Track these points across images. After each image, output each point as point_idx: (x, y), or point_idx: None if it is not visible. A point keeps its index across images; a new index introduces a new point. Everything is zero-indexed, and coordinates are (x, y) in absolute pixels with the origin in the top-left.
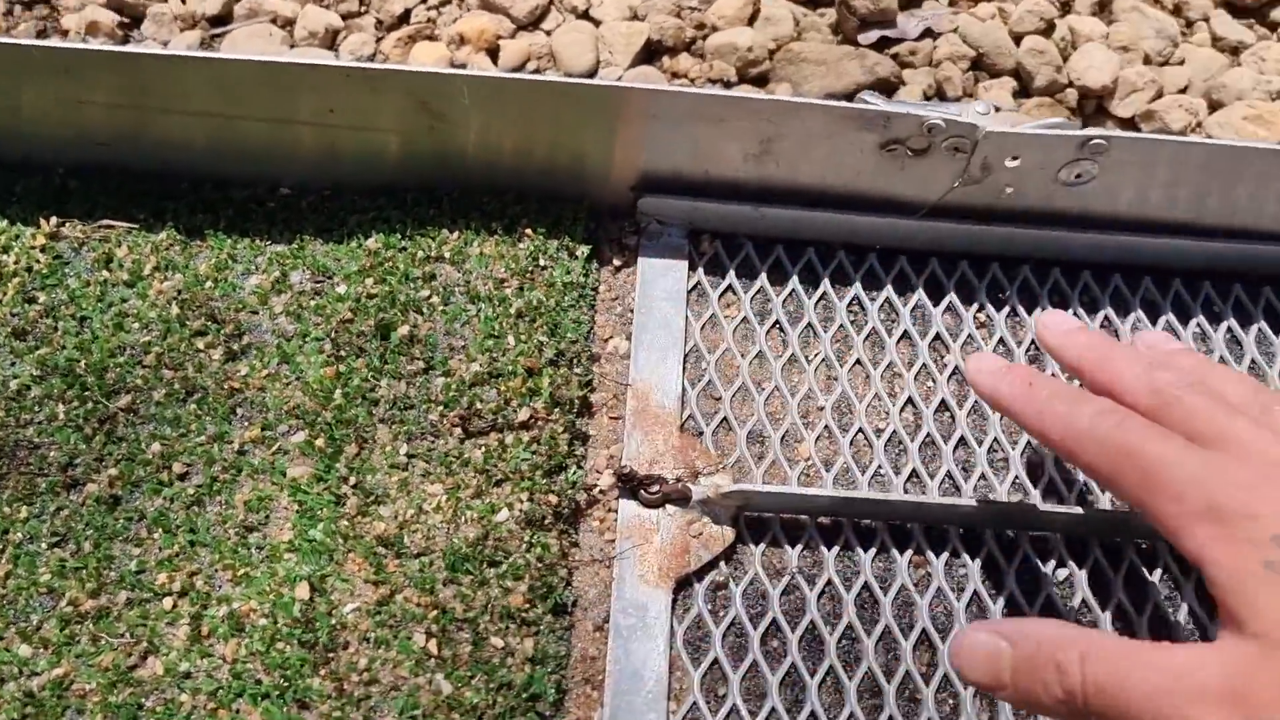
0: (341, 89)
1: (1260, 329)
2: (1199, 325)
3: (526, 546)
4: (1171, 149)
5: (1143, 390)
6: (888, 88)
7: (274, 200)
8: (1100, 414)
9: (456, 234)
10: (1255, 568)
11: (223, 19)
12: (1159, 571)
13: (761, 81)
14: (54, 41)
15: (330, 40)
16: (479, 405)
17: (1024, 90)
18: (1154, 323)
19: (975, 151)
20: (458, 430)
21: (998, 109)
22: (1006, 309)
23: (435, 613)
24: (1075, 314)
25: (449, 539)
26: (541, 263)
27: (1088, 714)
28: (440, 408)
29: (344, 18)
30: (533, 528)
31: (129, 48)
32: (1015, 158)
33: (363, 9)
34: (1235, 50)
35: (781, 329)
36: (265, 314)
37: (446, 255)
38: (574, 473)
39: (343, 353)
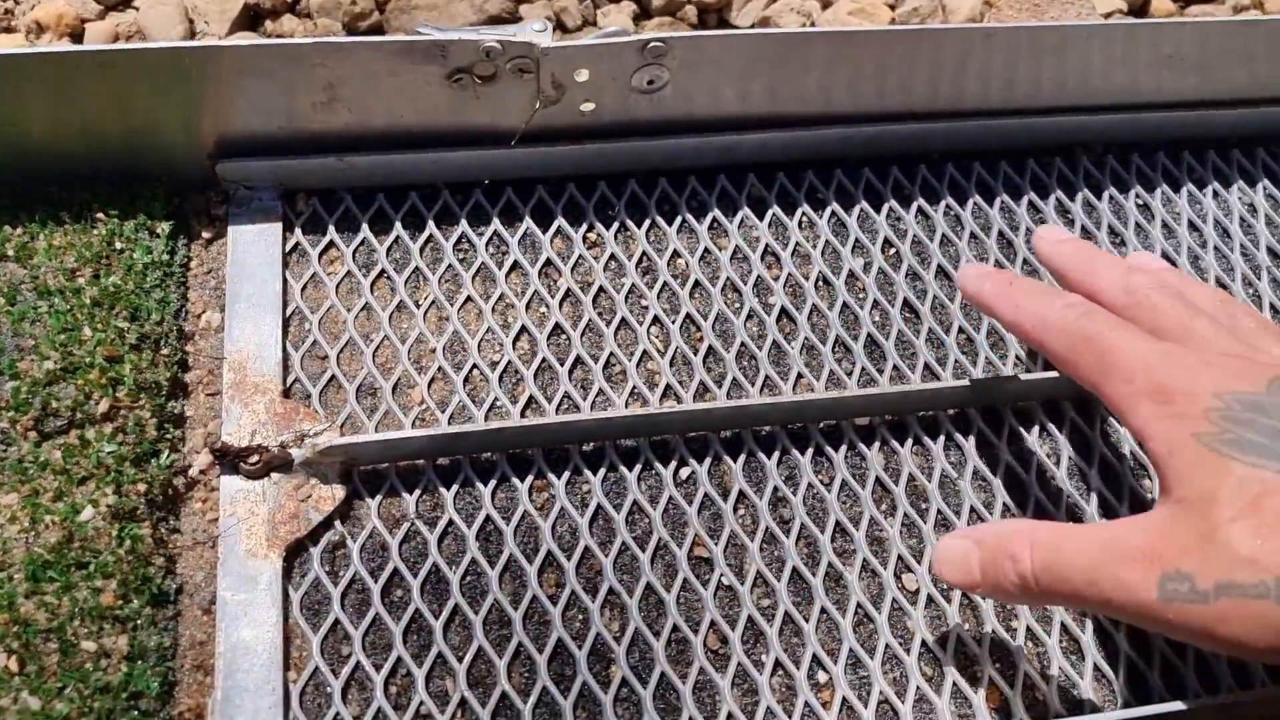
0: None
1: (862, 209)
2: (804, 214)
3: (117, 542)
4: (729, 42)
5: (1117, 290)
6: (505, 25)
7: None
8: (1068, 306)
9: (20, 229)
10: (1186, 439)
11: None
12: (775, 455)
13: (377, 33)
14: None
15: None
16: (55, 404)
17: (645, 13)
18: (760, 217)
19: (541, 70)
20: (32, 434)
21: (564, 27)
22: (616, 225)
23: (16, 629)
24: (684, 220)
25: (28, 549)
26: (118, 246)
27: (1041, 595)
28: (11, 413)
29: None
30: (122, 521)
31: None
32: (583, 70)
33: None
34: None
35: (388, 278)
36: None
37: (10, 253)
38: (167, 457)
39: None
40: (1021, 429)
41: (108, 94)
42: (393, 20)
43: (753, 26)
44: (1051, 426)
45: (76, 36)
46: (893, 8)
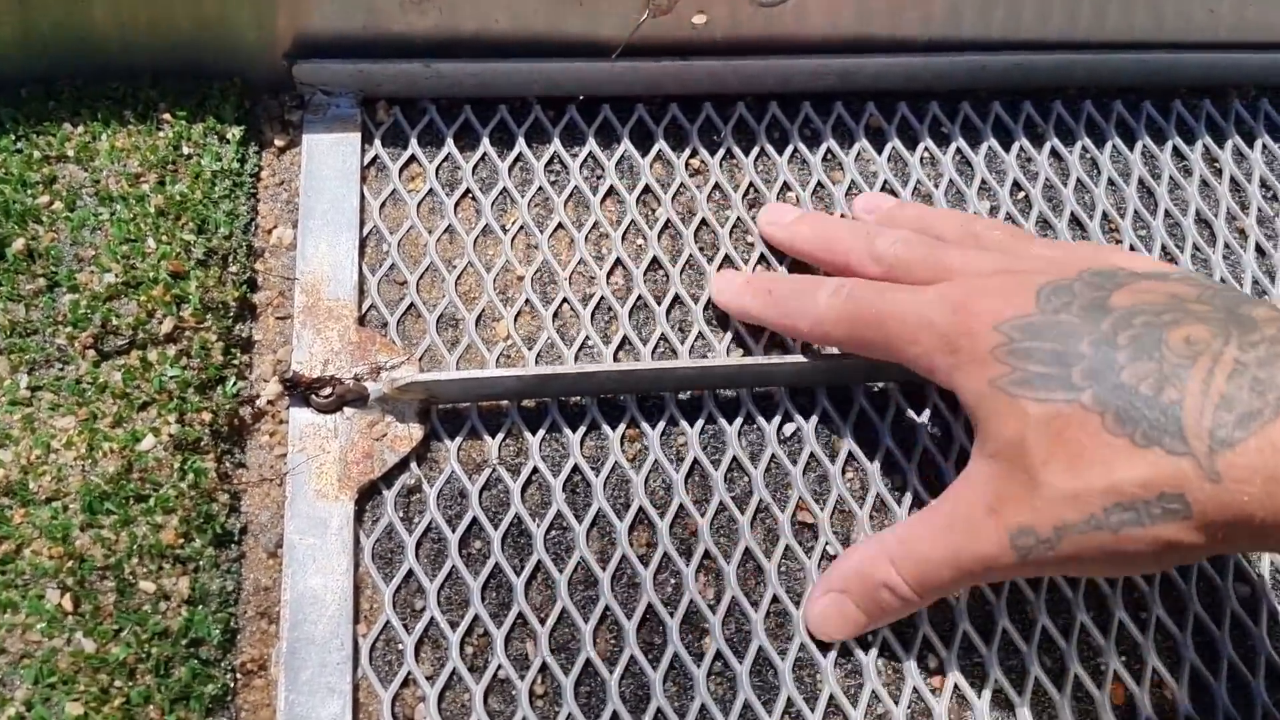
0: None
1: (990, 147)
2: (926, 150)
3: (179, 475)
4: None
5: (869, 261)
6: None
7: None
8: (831, 294)
9: (81, 128)
10: (984, 388)
11: None
12: (890, 414)
13: None
14: None
15: None
16: (115, 321)
17: None
18: (879, 151)
19: None
20: (91, 353)
21: None
22: (722, 151)
23: (71, 564)
24: (796, 150)
25: (85, 478)
26: (185, 151)
27: (927, 598)
28: (69, 329)
29: None
30: (185, 452)
31: None
32: None
33: None
34: None
35: (473, 198)
36: None
37: (70, 154)
38: (233, 385)
39: None
40: None
41: None
42: None
43: None
44: None
45: None
46: None
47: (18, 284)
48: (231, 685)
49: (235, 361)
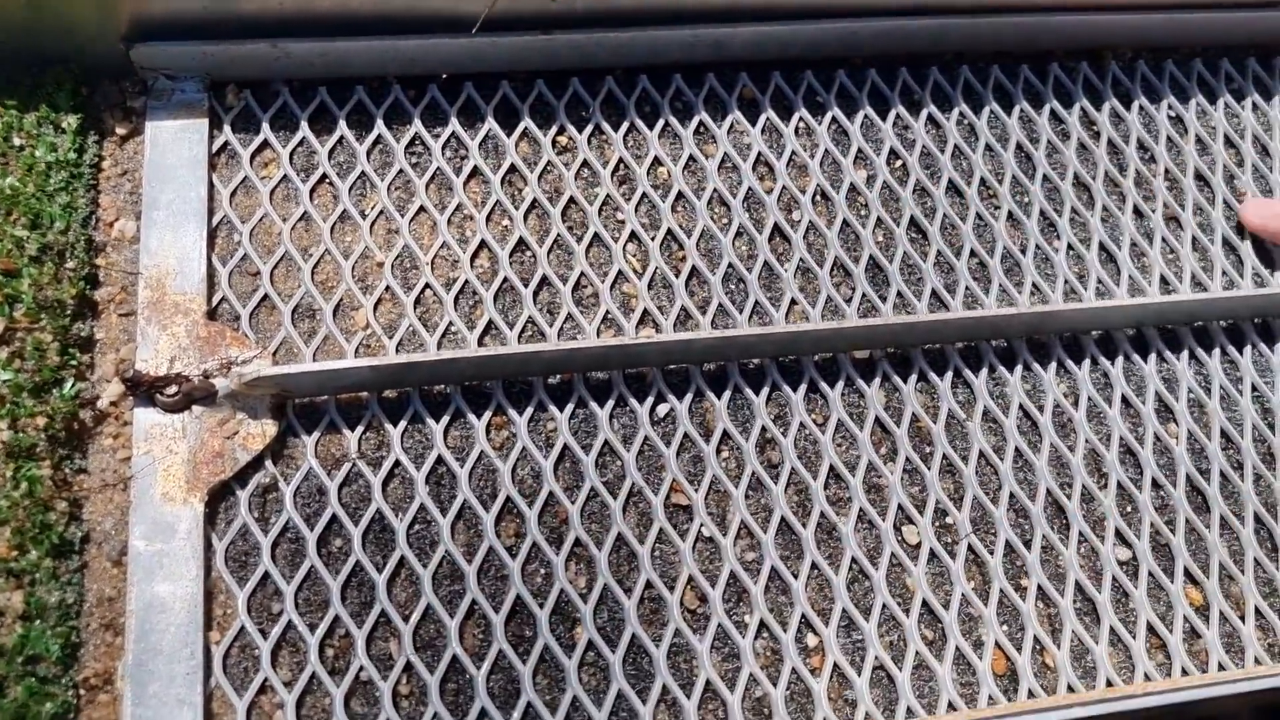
0: None
1: (866, 115)
2: (801, 120)
3: (11, 484)
4: None
5: None
6: None
7: None
8: None
9: None
10: None
11: None
12: (765, 391)
13: None
14: None
15: None
16: None
17: None
18: (753, 122)
19: None
20: None
21: None
22: (590, 127)
23: None
24: (667, 123)
25: None
26: (16, 142)
27: None
28: None
29: None
30: (18, 460)
31: None
32: None
33: None
34: None
35: (330, 184)
36: None
37: None
38: (71, 387)
39: None
40: (1037, 364)
41: None
42: None
43: None
44: (1069, 362)
45: None
46: None
47: None
48: (74, 702)
49: (74, 362)
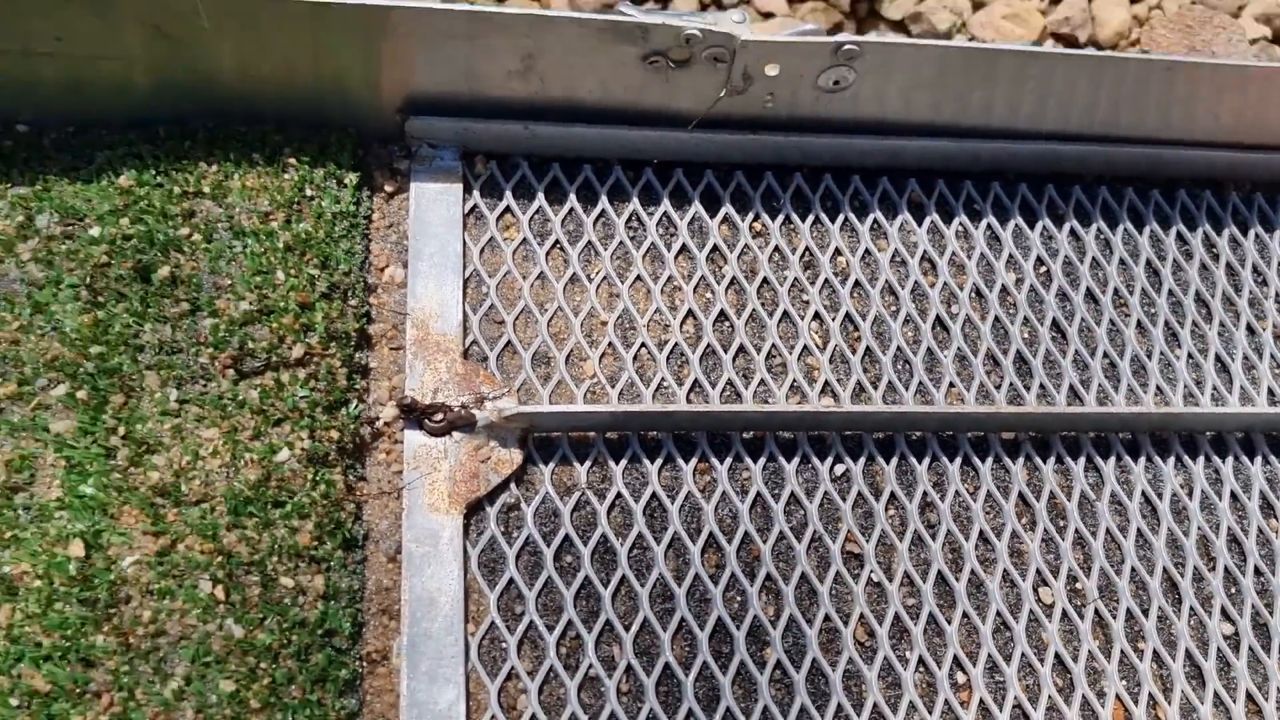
0: (65, 12)
1: (1017, 224)
2: (960, 224)
3: (311, 484)
4: (919, 52)
5: None
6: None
7: (10, 138)
8: None
9: (215, 167)
10: None
11: None
12: (926, 460)
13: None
14: None
15: None
16: (251, 344)
17: None
18: (919, 223)
19: (735, 61)
20: (230, 371)
21: (766, 15)
22: (781, 216)
23: (220, 559)
24: (847, 219)
25: (229, 483)
26: (308, 193)
27: None
28: (210, 349)
29: None
30: (316, 465)
31: None
32: (774, 65)
33: None
34: None
35: (562, 249)
36: (11, 262)
37: (206, 190)
38: (355, 407)
39: (101, 298)
40: (1159, 457)
41: (305, 40)
42: None
43: (903, 20)
44: (1186, 458)
45: None
46: (1044, 14)
47: (163, 307)
48: (360, 672)
49: (356, 386)
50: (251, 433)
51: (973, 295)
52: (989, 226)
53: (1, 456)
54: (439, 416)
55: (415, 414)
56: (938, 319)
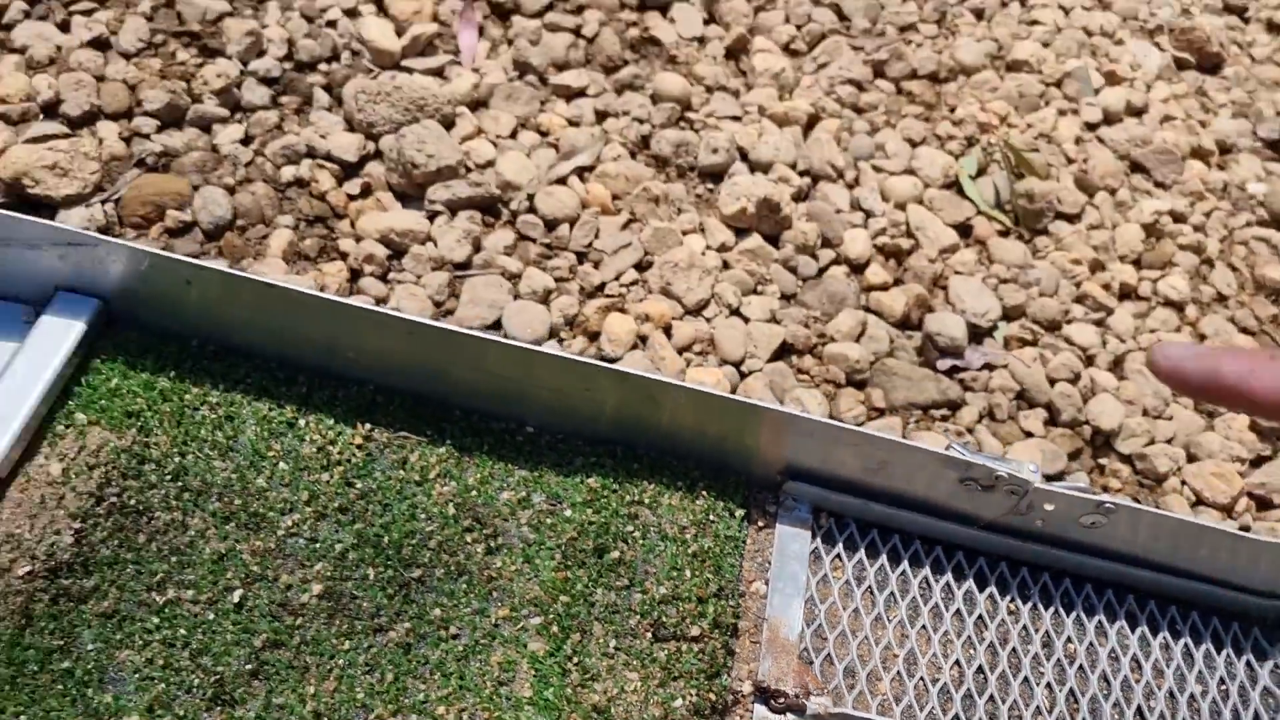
0: (569, 375)
1: (1208, 650)
2: (1164, 638)
3: None
4: (1159, 520)
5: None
6: (953, 405)
7: (521, 435)
8: None
9: (653, 485)
10: None
11: (464, 265)
12: None
13: (860, 385)
14: (329, 296)
15: (544, 297)
16: (665, 619)
17: (1052, 420)
18: (1133, 630)
19: (1025, 497)
20: (649, 634)
21: (1062, 477)
22: (1029, 604)
23: None
24: (1077, 615)
25: (641, 714)
26: (711, 518)
27: None
28: (638, 616)
29: (555, 279)
30: (698, 716)
31: (439, 323)
32: (1051, 504)
33: (570, 275)
34: (1211, 415)
35: (872, 593)
36: (513, 522)
37: (645, 501)
38: (725, 679)
39: (569, 563)
40: None
41: (716, 419)
42: (874, 378)
43: (1131, 456)
44: None
45: (667, 329)
46: (1242, 475)
47: (610, 579)
48: None
49: (727, 664)
50: (659, 681)
51: (1167, 696)
52: (1186, 646)
53: (495, 658)
54: (780, 700)
55: (764, 695)
56: (1138, 709)
